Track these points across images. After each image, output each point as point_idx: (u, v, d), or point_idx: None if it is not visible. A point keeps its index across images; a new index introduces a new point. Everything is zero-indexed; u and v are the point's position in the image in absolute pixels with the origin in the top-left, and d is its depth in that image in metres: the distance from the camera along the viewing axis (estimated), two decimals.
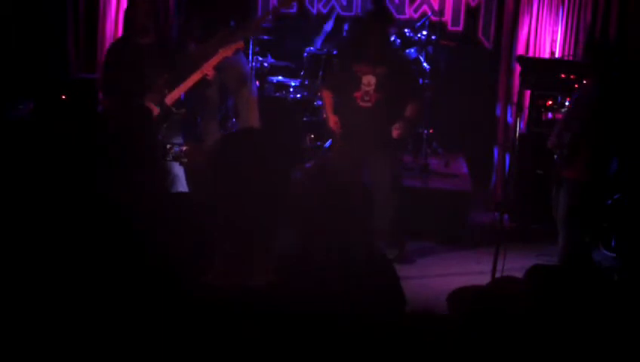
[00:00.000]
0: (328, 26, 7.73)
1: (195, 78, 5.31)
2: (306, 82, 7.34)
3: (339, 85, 5.62)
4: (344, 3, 8.16)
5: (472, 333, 2.05)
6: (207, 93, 6.20)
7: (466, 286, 2.28)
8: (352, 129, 5.51)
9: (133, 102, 5.09)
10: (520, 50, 7.05)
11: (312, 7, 8.23)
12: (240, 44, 5.72)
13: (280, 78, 7.52)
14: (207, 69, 5.36)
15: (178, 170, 5.44)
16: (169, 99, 5.20)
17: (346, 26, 7.75)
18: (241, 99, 6.45)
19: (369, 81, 5.40)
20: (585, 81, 5.24)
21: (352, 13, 8.09)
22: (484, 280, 4.21)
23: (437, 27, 7.31)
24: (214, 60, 5.43)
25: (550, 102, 6.46)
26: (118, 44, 5.64)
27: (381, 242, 5.52)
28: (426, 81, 7.01)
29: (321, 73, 7.21)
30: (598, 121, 4.82)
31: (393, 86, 5.43)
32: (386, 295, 2.46)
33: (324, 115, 5.79)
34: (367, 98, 5.41)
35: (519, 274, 2.42)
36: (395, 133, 5.42)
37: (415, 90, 5.81)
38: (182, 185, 5.39)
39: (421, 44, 7.31)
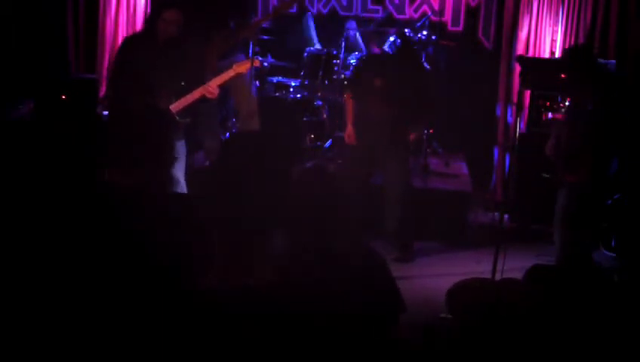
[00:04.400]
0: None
1: (199, 92, 5.27)
2: (306, 82, 7.33)
3: (357, 88, 5.78)
4: (344, 3, 8.17)
5: (471, 334, 2.05)
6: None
7: (465, 282, 2.27)
8: (366, 135, 5.66)
9: (155, 104, 5.08)
10: (520, 50, 7.05)
11: (312, 7, 8.24)
12: (256, 61, 5.67)
13: (280, 78, 7.51)
14: (213, 87, 5.29)
15: (178, 173, 5.42)
16: (174, 107, 5.18)
17: (349, 26, 7.75)
18: (243, 101, 6.44)
19: (383, 95, 5.54)
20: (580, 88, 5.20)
21: (352, 13, 8.09)
22: None
23: (437, 27, 7.31)
24: (224, 77, 5.35)
25: (550, 102, 6.45)
26: (132, 43, 5.52)
27: (388, 241, 5.61)
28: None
29: (320, 73, 7.21)
30: (600, 128, 4.80)
31: (409, 100, 5.56)
32: (382, 295, 2.46)
33: (344, 119, 5.93)
34: (383, 109, 5.54)
35: (519, 274, 2.42)
36: (411, 137, 5.69)
37: (430, 104, 5.94)
38: (182, 189, 5.37)
39: (421, 44, 7.30)
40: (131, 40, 5.57)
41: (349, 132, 5.75)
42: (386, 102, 5.55)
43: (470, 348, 2.01)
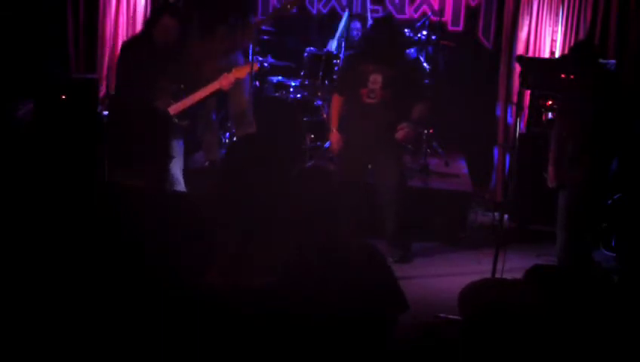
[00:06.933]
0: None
1: (216, 85, 5.28)
2: (306, 82, 7.33)
3: (347, 85, 5.65)
4: (344, 3, 8.17)
5: (472, 335, 2.05)
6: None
7: (478, 283, 2.26)
8: (357, 125, 5.55)
9: (156, 106, 5.09)
10: (520, 50, 7.05)
11: (312, 7, 8.24)
12: (255, 65, 5.64)
13: (280, 78, 7.51)
14: (231, 79, 5.31)
15: (177, 172, 5.42)
16: (173, 109, 5.19)
17: (353, 26, 7.75)
18: (239, 106, 6.43)
19: (375, 78, 5.44)
20: (575, 86, 5.18)
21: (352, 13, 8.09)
22: None
23: (437, 27, 7.31)
24: (231, 78, 5.36)
25: (550, 102, 6.45)
26: (133, 45, 5.51)
27: (385, 242, 5.58)
28: (426, 81, 7.02)
29: (320, 73, 7.21)
30: (601, 126, 4.79)
31: (399, 87, 5.47)
32: (384, 295, 2.46)
33: (327, 120, 5.82)
34: (372, 95, 5.45)
35: (519, 274, 2.41)
36: (399, 134, 5.43)
37: (421, 93, 5.84)
38: (180, 186, 5.38)
39: (421, 44, 7.31)
40: (131, 44, 5.60)
41: (336, 137, 5.60)
42: (369, 101, 5.46)
43: (479, 350, 2.01)
